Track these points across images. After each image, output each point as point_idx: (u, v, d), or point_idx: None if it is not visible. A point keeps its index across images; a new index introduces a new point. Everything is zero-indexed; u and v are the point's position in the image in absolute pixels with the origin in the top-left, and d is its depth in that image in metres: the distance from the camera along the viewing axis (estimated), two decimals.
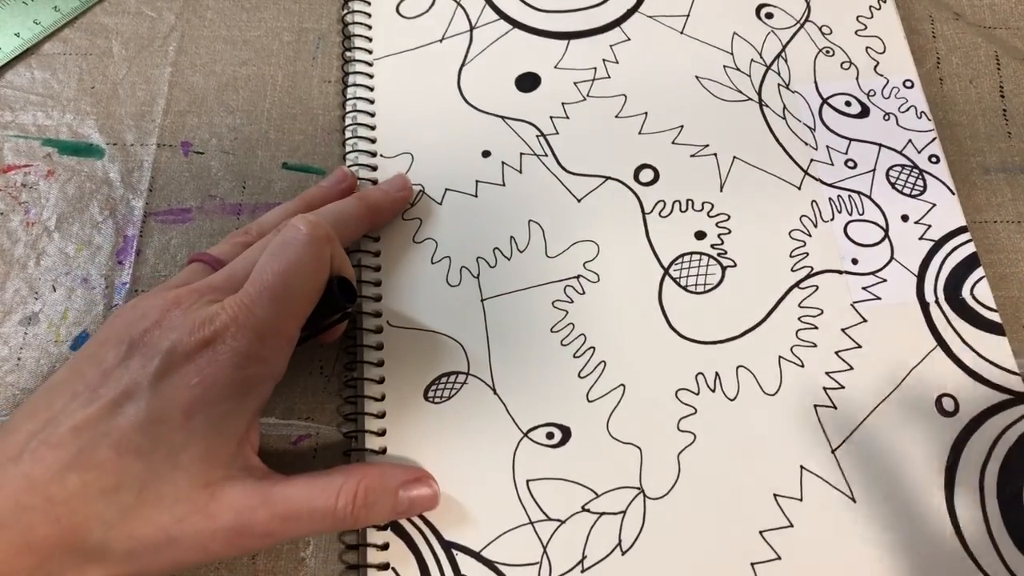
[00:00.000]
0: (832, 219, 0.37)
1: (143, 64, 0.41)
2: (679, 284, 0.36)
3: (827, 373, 0.34)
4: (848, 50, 0.41)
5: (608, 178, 0.38)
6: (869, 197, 0.37)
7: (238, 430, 0.27)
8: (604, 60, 0.40)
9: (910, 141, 0.38)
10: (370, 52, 0.41)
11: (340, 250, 0.31)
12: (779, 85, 0.40)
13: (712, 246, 0.36)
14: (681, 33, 0.41)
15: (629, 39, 0.41)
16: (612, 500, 0.32)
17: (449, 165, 0.38)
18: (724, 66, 0.40)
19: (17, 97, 0.40)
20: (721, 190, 0.37)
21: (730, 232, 0.37)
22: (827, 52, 0.41)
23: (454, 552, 0.31)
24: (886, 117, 0.39)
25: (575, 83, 0.40)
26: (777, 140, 0.39)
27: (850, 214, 0.37)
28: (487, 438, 0.33)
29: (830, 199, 0.37)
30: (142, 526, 0.25)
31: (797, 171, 0.38)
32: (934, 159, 0.38)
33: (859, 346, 0.34)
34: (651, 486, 0.32)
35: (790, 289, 0.36)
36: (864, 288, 0.35)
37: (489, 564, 0.31)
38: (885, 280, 0.36)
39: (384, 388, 0.34)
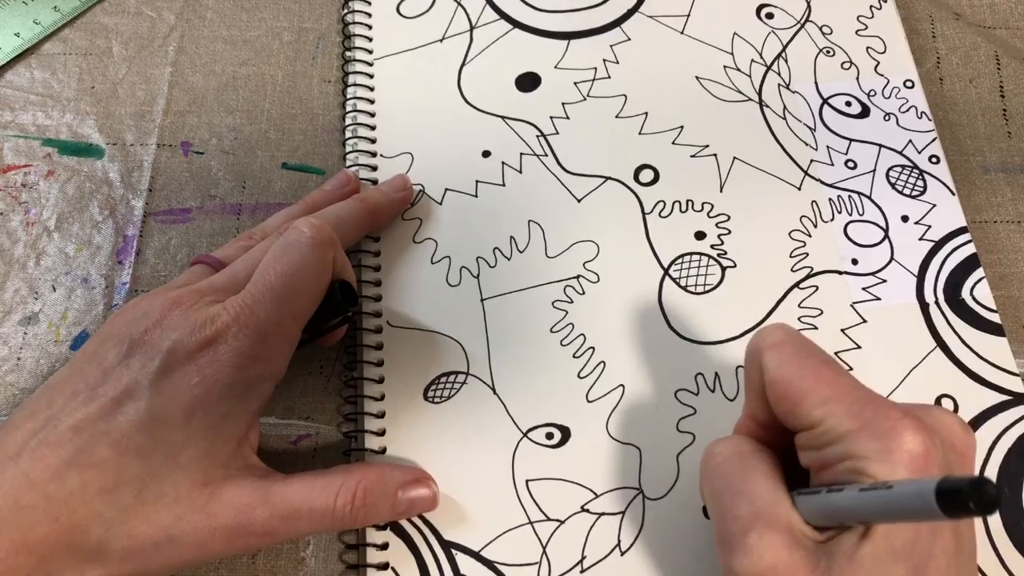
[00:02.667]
0: (832, 219, 0.37)
1: (143, 64, 0.41)
2: (679, 284, 0.36)
3: None
4: (848, 50, 0.41)
5: (608, 178, 0.38)
6: (869, 198, 0.37)
7: (238, 430, 0.27)
8: (604, 60, 0.40)
9: (910, 141, 0.38)
10: (370, 52, 0.41)
11: (342, 253, 0.31)
12: (779, 85, 0.40)
13: (712, 246, 0.36)
14: (681, 33, 0.41)
15: (629, 39, 0.41)
16: (611, 500, 0.32)
17: (449, 165, 0.38)
18: (724, 66, 0.40)
19: (17, 97, 0.40)
20: (721, 190, 0.37)
21: (730, 232, 0.37)
22: (827, 52, 0.41)
23: (453, 552, 0.31)
24: (886, 117, 0.39)
25: (575, 83, 0.40)
26: (777, 140, 0.38)
27: (850, 214, 0.37)
28: (487, 438, 0.33)
29: (830, 199, 0.37)
30: (141, 525, 0.25)
31: (797, 171, 0.38)
32: (934, 159, 0.38)
33: (859, 347, 0.34)
34: (650, 487, 0.32)
35: (790, 289, 0.36)
36: (864, 289, 0.35)
37: (488, 564, 0.31)
38: (885, 281, 0.36)
39: (384, 388, 0.34)
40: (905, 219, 0.37)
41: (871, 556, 0.22)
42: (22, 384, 0.35)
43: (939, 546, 0.22)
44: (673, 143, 0.39)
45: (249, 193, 0.39)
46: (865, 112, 0.39)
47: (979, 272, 0.36)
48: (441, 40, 0.41)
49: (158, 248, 0.38)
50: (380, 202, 0.36)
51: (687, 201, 0.37)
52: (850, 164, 0.38)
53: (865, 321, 0.35)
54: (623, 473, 0.32)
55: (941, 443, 0.23)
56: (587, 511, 0.32)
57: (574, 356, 0.34)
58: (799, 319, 0.35)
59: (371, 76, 0.40)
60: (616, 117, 0.39)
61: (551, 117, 0.39)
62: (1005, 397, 0.33)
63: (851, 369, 0.34)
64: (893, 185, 0.38)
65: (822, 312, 0.35)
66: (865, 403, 0.23)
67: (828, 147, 0.38)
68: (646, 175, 0.38)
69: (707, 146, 0.38)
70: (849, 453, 0.23)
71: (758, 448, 0.26)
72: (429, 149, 0.39)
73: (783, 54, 0.41)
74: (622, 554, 0.31)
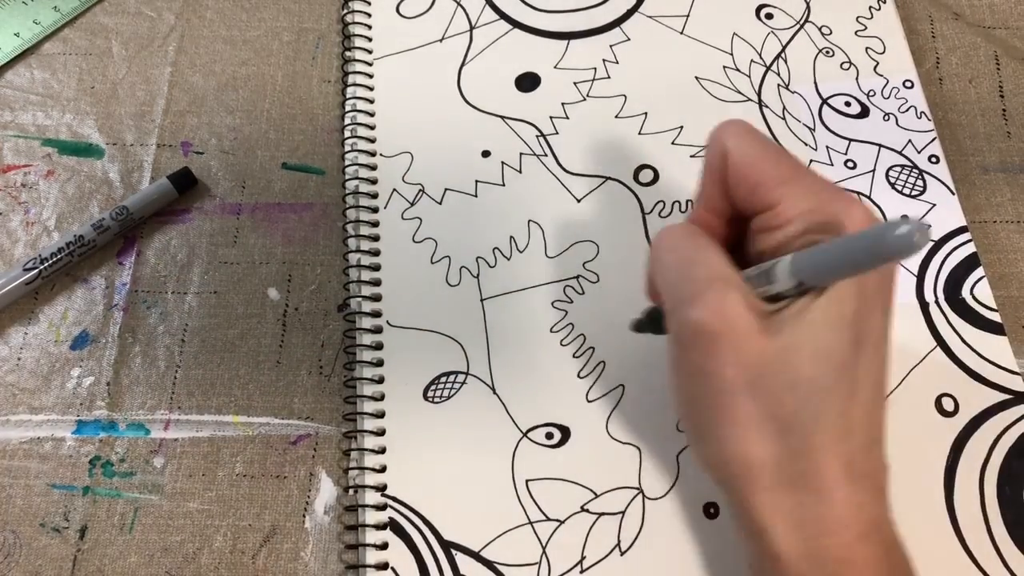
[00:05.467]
0: None
1: (143, 64, 0.41)
2: None
3: None
4: (848, 50, 0.41)
5: (608, 178, 0.38)
6: (869, 197, 0.37)
7: None
8: (604, 60, 0.40)
9: (910, 141, 0.38)
10: (370, 52, 0.41)
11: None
12: (779, 86, 0.40)
13: None
14: (681, 33, 0.41)
15: (629, 39, 0.41)
16: (611, 500, 0.32)
17: (449, 165, 0.38)
18: (724, 66, 0.40)
19: (17, 97, 0.40)
20: None
21: None
22: (827, 52, 0.41)
23: (453, 552, 0.31)
24: (886, 117, 0.39)
25: (575, 83, 0.40)
26: (777, 140, 0.38)
27: None
28: (486, 438, 0.33)
29: None
30: None
31: None
32: (934, 159, 0.38)
33: None
34: (650, 486, 0.32)
35: None
36: None
37: (488, 564, 0.31)
38: None
39: (384, 388, 0.34)
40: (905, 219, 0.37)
41: (821, 319, 0.23)
42: (22, 384, 0.35)
43: (874, 323, 0.24)
44: (673, 143, 0.39)
45: (249, 193, 0.39)
46: (864, 112, 0.39)
47: (979, 271, 0.36)
48: (441, 40, 0.41)
49: (158, 248, 0.38)
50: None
51: (687, 201, 0.37)
52: (850, 164, 0.38)
53: None
54: (623, 473, 0.32)
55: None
56: (587, 511, 0.32)
57: (574, 356, 0.34)
58: None
59: (371, 76, 0.40)
60: (616, 117, 0.39)
61: (551, 117, 0.39)
62: (1006, 396, 0.33)
63: None
64: (893, 185, 0.38)
65: None
66: (821, 186, 0.25)
67: (828, 147, 0.38)
68: (646, 175, 0.38)
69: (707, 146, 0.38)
70: (807, 228, 0.24)
71: (708, 234, 0.27)
72: (429, 149, 0.39)
73: (782, 54, 0.41)
74: (622, 554, 0.31)
